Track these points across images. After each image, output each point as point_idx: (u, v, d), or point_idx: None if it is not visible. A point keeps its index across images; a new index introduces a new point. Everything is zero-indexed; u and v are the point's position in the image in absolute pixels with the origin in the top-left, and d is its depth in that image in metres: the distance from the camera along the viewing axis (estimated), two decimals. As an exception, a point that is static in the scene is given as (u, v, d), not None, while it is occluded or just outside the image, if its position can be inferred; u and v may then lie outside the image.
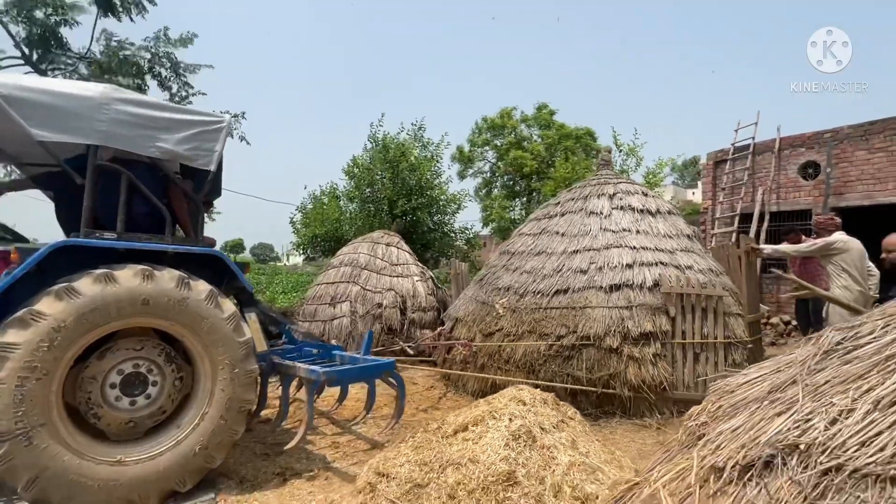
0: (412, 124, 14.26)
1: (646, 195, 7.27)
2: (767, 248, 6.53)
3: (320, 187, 16.36)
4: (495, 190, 24.51)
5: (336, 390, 5.62)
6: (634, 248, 6.35)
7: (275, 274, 35.81)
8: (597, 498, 2.14)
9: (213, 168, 3.92)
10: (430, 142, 14.14)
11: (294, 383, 5.05)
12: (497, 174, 24.41)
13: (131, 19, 8.05)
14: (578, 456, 2.38)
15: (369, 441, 4.59)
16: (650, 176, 15.86)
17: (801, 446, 1.18)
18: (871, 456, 1.07)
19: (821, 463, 1.13)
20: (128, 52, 7.96)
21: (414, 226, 12.80)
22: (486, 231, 24.13)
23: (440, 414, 5.79)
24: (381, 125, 13.74)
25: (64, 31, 7.55)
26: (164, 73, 8.50)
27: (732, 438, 1.35)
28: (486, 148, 24.58)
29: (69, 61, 7.82)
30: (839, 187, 10.96)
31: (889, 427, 1.10)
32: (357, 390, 6.05)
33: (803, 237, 7.11)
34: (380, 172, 12.80)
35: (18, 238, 4.17)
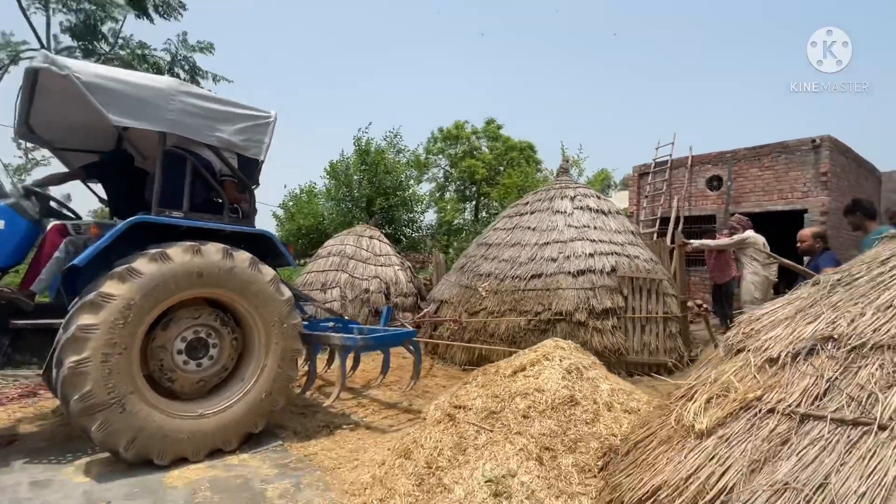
0: (389, 132, 14.43)
1: (599, 198, 7.95)
2: (695, 243, 7.38)
3: (299, 186, 16.17)
4: (448, 194, 24.99)
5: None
6: (594, 240, 6.98)
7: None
8: (639, 411, 2.60)
9: (262, 157, 4.03)
10: (406, 148, 14.40)
11: (319, 354, 5.19)
12: (450, 180, 24.89)
13: (166, 19, 7.72)
14: (616, 384, 2.83)
15: (386, 403, 4.83)
16: (590, 184, 16.94)
17: (835, 335, 1.67)
18: (882, 335, 1.56)
19: (849, 344, 1.61)
20: (147, 53, 7.62)
21: (390, 222, 12.99)
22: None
23: (439, 380, 6.13)
24: (366, 132, 13.86)
25: (104, 27, 7.16)
26: (182, 75, 8.20)
27: (779, 340, 1.82)
28: (441, 156, 25.00)
29: (100, 55, 7.41)
30: (737, 197, 12.30)
31: (889, 320, 1.60)
32: (365, 363, 6.26)
33: (717, 236, 8.06)
34: (358, 174, 12.88)
35: (76, 214, 4.08)
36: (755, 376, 1.73)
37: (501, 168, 22.89)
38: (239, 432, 3.42)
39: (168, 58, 8.02)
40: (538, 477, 2.23)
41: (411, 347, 4.64)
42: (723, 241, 6.81)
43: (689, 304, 10.38)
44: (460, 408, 2.79)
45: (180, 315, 3.41)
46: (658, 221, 13.47)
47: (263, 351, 3.64)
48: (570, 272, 6.56)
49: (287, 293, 3.77)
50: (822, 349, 1.67)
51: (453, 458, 2.53)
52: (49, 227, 3.45)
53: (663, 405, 2.14)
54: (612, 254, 6.79)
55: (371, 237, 10.41)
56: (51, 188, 3.88)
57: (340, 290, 9.19)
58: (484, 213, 22.98)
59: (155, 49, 7.92)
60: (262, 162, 4.12)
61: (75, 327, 2.81)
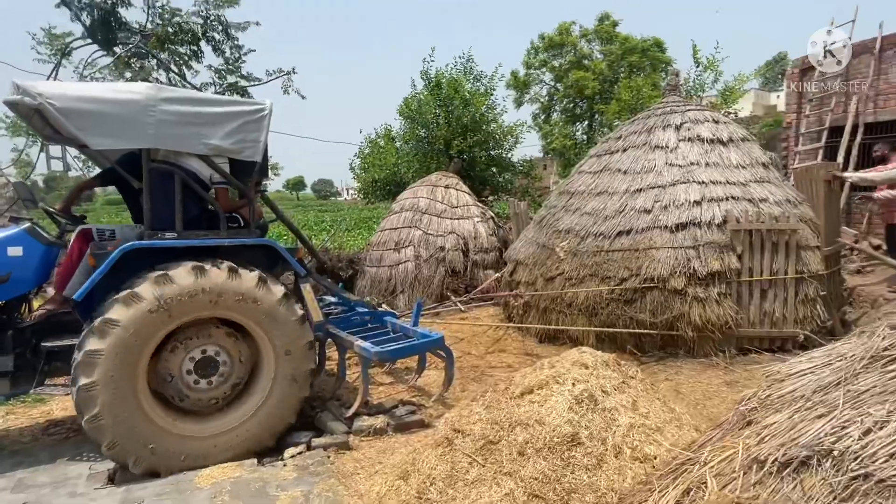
0: (459, 57, 13.75)
1: (717, 122, 6.87)
2: (853, 176, 6.13)
3: (375, 130, 16.47)
4: (555, 115, 23.61)
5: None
6: (703, 182, 6.14)
7: (337, 210, 37.01)
8: (655, 458, 2.35)
9: (258, 159, 3.98)
10: (483, 74, 13.71)
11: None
12: (556, 98, 23.40)
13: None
14: (639, 418, 2.57)
15: (427, 393, 4.94)
16: (727, 93, 14.69)
17: (836, 452, 1.31)
18: None
19: (851, 470, 1.25)
20: (180, 20, 8.19)
21: (471, 164, 12.75)
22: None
23: (507, 356, 6.13)
24: (432, 60, 13.42)
25: (122, 12, 7.87)
26: (216, 36, 8.71)
27: (775, 434, 1.48)
28: (544, 70, 23.44)
29: (130, 39, 8.18)
30: (950, 90, 9.76)
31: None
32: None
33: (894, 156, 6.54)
34: (434, 111, 12.66)
35: (76, 220, 4.31)
36: (738, 478, 1.42)
37: (620, 77, 20.82)
38: (247, 449, 3.77)
39: (200, 21, 8.46)
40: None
41: (441, 353, 4.63)
42: (891, 171, 5.53)
43: (864, 244, 8.81)
44: (459, 432, 2.77)
45: (188, 334, 3.70)
46: (827, 133, 11.33)
47: (273, 369, 3.86)
48: (666, 226, 5.92)
49: (297, 313, 3.88)
50: (819, 467, 1.29)
51: (443, 491, 2.56)
52: (76, 231, 3.96)
53: (669, 467, 1.89)
54: (726, 198, 5.95)
55: (447, 186, 10.36)
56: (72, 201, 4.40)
57: (414, 248, 9.43)
58: (600, 137, 21.44)
59: (179, 10, 8.42)
60: (263, 162, 4.07)
61: (83, 353, 3.28)
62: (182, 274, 3.50)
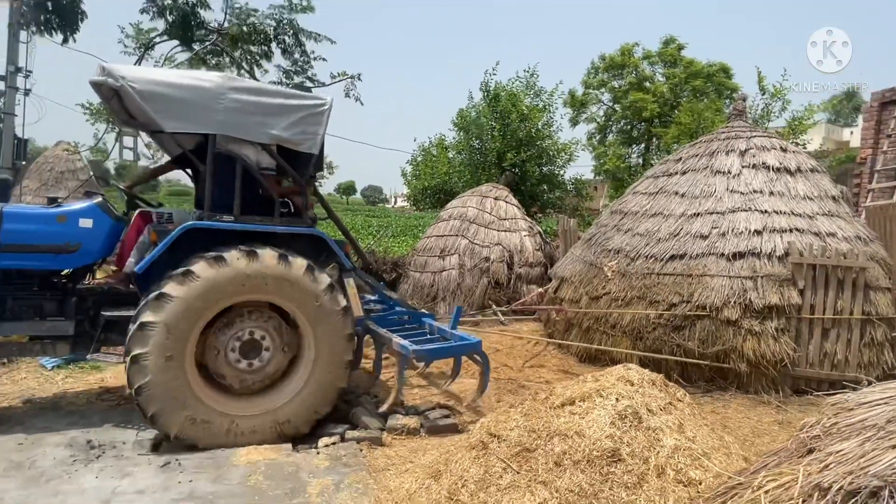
0: (524, 71, 13.78)
1: (784, 151, 6.60)
2: (934, 216, 5.73)
3: (429, 139, 16.69)
4: (610, 136, 23.25)
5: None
6: (766, 212, 5.90)
7: (384, 216, 37.68)
8: (700, 483, 2.24)
9: (315, 152, 4.15)
10: (543, 90, 13.67)
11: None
12: (613, 119, 23.05)
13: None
14: (684, 440, 2.47)
15: (460, 398, 4.90)
16: (795, 123, 14.05)
17: None
18: None
19: None
20: (255, 21, 8.65)
21: (522, 178, 12.71)
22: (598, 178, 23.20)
23: (545, 372, 6.03)
24: (494, 73, 13.52)
25: (201, 12, 8.43)
26: (287, 40, 9.13)
27: (842, 461, 1.39)
28: (602, 90, 23.16)
29: (207, 36, 8.72)
30: None
31: None
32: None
33: None
34: (490, 123, 12.71)
35: (146, 204, 4.58)
36: (796, 504, 1.34)
37: (682, 101, 20.31)
38: (282, 433, 3.84)
39: (273, 23, 8.89)
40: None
41: (478, 358, 4.60)
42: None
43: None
44: (495, 437, 2.74)
45: (239, 315, 3.85)
46: (905, 171, 10.65)
47: (313, 357, 3.94)
48: (723, 254, 5.71)
49: (341, 303, 3.97)
50: (891, 499, 1.20)
51: (475, 493, 2.53)
52: (135, 213, 4.20)
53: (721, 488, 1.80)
54: (790, 230, 5.70)
55: (497, 198, 10.37)
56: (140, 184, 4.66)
57: (459, 257, 9.46)
58: (656, 160, 20.96)
59: (256, 10, 8.89)
60: (319, 155, 4.24)
61: (138, 324, 3.46)
62: (235, 257, 3.65)
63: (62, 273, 4.13)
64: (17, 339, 3.94)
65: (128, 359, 3.48)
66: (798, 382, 5.33)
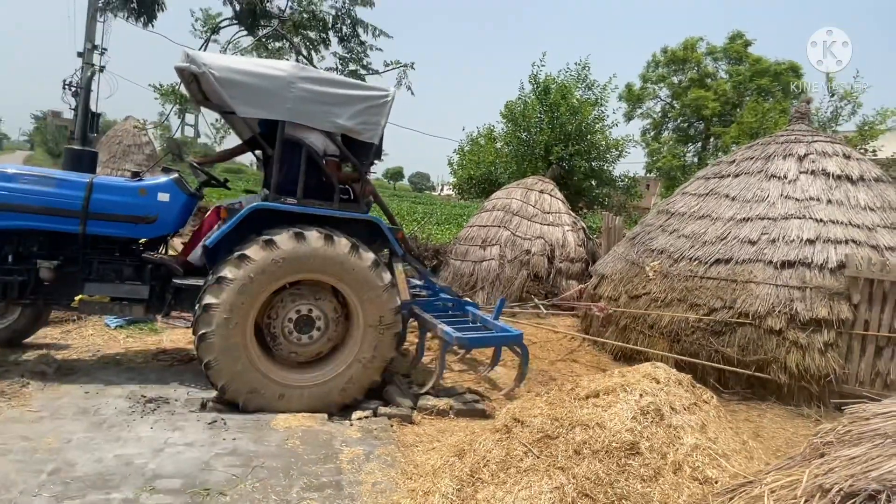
0: (576, 63, 13.56)
1: (848, 157, 6.32)
2: None
3: (478, 129, 16.71)
4: (665, 133, 22.58)
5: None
6: (821, 220, 5.69)
7: (430, 204, 38.03)
8: (716, 482, 2.27)
9: (376, 141, 4.33)
10: (595, 83, 13.43)
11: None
12: (670, 116, 22.36)
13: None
14: (705, 440, 2.50)
15: (498, 387, 5.03)
16: (866, 127, 13.26)
17: None
18: None
19: None
20: (315, 8, 8.92)
21: (569, 173, 12.59)
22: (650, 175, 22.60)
23: (577, 367, 6.06)
24: (542, 64, 13.37)
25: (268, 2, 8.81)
26: (344, 30, 9.38)
27: (847, 465, 1.42)
28: (661, 85, 22.47)
29: (270, 22, 9.08)
30: None
31: None
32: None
33: None
34: (538, 115, 12.62)
35: (216, 181, 4.86)
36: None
37: (745, 100, 19.46)
38: (338, 401, 4.09)
39: (332, 12, 9.14)
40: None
41: (517, 349, 4.68)
42: None
43: None
44: (519, 422, 2.84)
45: (292, 294, 4.10)
46: None
47: (360, 333, 4.14)
48: (771, 261, 5.57)
49: (385, 279, 4.14)
50: (888, 502, 1.22)
51: (495, 473, 2.65)
52: (212, 208, 4.50)
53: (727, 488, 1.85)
54: (846, 241, 5.49)
55: (542, 191, 10.33)
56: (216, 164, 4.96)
57: (500, 248, 9.52)
58: (712, 161, 20.24)
59: (317, 1, 9.11)
60: (379, 144, 4.43)
61: (202, 305, 3.76)
62: (284, 239, 3.88)
63: (140, 241, 4.50)
64: (100, 298, 4.32)
65: (196, 338, 3.80)
66: (846, 398, 5.16)
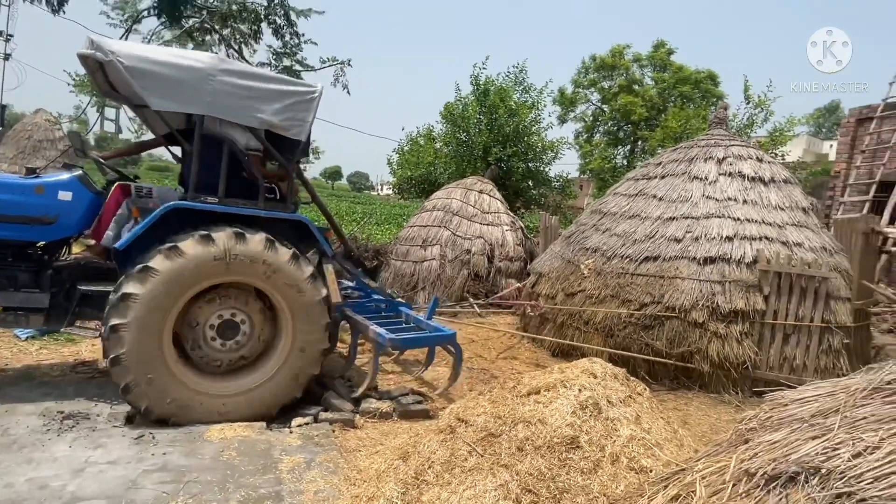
0: (513, 66, 13.84)
1: (760, 161, 6.82)
2: (895, 232, 5.99)
3: (417, 129, 16.70)
4: (597, 136, 23.49)
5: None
6: (738, 219, 6.11)
7: (369, 203, 37.61)
8: (650, 471, 2.39)
9: (303, 139, 4.16)
10: (532, 87, 13.77)
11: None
12: (601, 119, 23.28)
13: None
14: (640, 431, 2.62)
15: (432, 386, 5.04)
16: (776, 134, 14.43)
17: (823, 470, 1.35)
18: (880, 490, 1.23)
19: (836, 488, 1.30)
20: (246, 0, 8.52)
21: (508, 173, 12.83)
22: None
23: (518, 364, 6.18)
24: (484, 67, 13.54)
25: None
26: (278, 20, 9.03)
27: (769, 450, 1.53)
28: (592, 90, 23.36)
29: (196, 13, 8.57)
30: None
31: (900, 467, 1.24)
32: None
33: None
34: (478, 117, 12.78)
35: (124, 177, 4.50)
36: (727, 488, 1.47)
37: (669, 106, 20.61)
38: (253, 414, 3.90)
39: (264, 2, 8.79)
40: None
41: (451, 349, 4.72)
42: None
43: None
44: (463, 422, 2.86)
45: (222, 295, 3.88)
46: (876, 186, 11.04)
47: (289, 343, 3.98)
48: (695, 258, 5.90)
49: (321, 293, 3.99)
50: (806, 483, 1.34)
51: (440, 474, 2.65)
52: (114, 185, 4.18)
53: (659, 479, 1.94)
54: (760, 238, 5.91)
55: (481, 192, 10.46)
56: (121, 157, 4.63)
57: (441, 248, 9.55)
58: (640, 163, 21.24)
59: None
60: (306, 141, 4.27)
61: (120, 295, 3.48)
62: (223, 238, 3.67)
63: (37, 245, 4.10)
64: None
65: (106, 327, 3.50)
66: (758, 384, 5.56)
